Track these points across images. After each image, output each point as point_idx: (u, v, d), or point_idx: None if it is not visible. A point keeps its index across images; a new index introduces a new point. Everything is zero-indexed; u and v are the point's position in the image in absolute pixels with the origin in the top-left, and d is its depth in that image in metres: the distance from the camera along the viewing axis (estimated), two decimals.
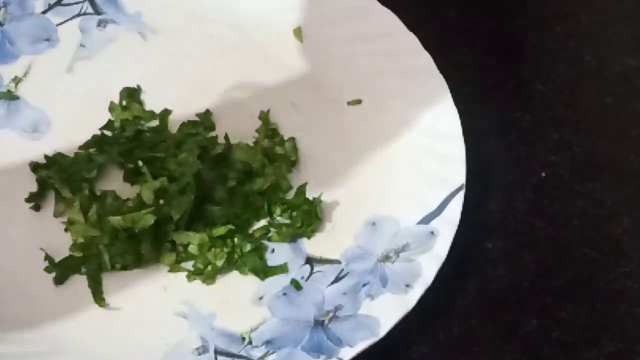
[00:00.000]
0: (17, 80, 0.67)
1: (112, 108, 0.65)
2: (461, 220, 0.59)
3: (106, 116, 0.65)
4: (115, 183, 0.62)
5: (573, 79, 0.71)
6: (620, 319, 0.59)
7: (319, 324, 0.55)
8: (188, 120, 0.64)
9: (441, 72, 0.65)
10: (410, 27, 0.68)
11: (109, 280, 0.58)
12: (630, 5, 0.76)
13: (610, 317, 0.59)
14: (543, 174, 0.66)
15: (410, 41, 0.67)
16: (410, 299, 0.55)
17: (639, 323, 0.59)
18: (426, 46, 0.67)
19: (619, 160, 0.67)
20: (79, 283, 0.58)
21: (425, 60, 0.66)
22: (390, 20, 0.68)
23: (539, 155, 0.67)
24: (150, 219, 0.58)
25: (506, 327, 0.59)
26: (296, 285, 0.58)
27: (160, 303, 0.57)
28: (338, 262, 0.59)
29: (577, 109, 0.70)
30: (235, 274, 0.59)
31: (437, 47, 0.69)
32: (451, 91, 0.65)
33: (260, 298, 0.57)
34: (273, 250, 0.59)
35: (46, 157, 0.62)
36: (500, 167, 0.66)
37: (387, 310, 0.55)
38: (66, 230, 0.59)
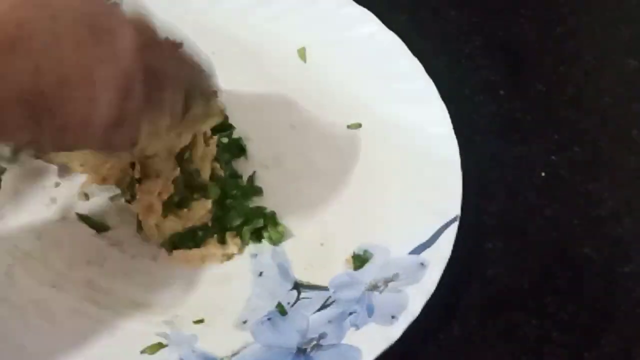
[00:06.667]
0: None
1: None
2: (461, 220, 0.58)
3: None
4: None
5: (573, 79, 0.72)
6: (620, 319, 0.59)
7: (301, 352, 0.54)
8: None
9: (441, 71, 0.65)
10: (410, 27, 0.68)
11: (95, 293, 0.57)
12: (630, 5, 0.76)
13: (610, 317, 0.59)
14: (543, 174, 0.66)
15: (413, 66, 0.66)
16: (395, 331, 0.54)
17: (639, 323, 0.59)
18: (426, 46, 0.67)
19: (619, 160, 0.67)
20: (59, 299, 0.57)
21: (427, 86, 0.65)
22: (395, 44, 0.67)
23: (539, 155, 0.67)
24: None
25: (506, 327, 0.59)
26: (281, 310, 0.56)
27: (143, 321, 0.56)
28: (326, 288, 0.58)
29: (577, 109, 0.70)
30: (222, 295, 0.58)
31: (437, 47, 0.69)
32: (451, 91, 0.65)
33: (244, 322, 0.56)
34: (261, 274, 0.59)
35: None
36: (500, 167, 0.66)
37: (371, 342, 0.54)
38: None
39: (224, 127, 0.63)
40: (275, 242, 0.60)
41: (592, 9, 0.76)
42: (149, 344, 0.55)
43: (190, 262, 0.59)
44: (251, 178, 0.63)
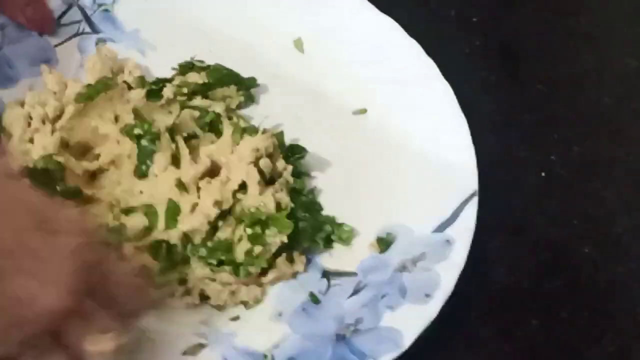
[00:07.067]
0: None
1: None
2: None
3: None
4: None
5: (573, 79, 0.72)
6: (620, 319, 0.59)
7: (341, 338, 0.54)
8: None
9: (441, 71, 0.65)
10: (410, 27, 0.68)
11: None
12: (630, 5, 0.76)
13: (610, 317, 0.59)
14: (543, 174, 0.66)
15: (412, 47, 0.66)
16: (432, 309, 0.54)
17: (639, 323, 0.59)
18: (426, 46, 0.67)
19: (619, 160, 0.67)
20: None
21: (428, 66, 0.65)
22: (391, 26, 0.67)
23: (539, 155, 0.67)
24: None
25: (506, 327, 0.59)
26: (314, 299, 0.56)
27: (179, 323, 0.56)
28: (354, 274, 0.58)
29: (577, 109, 0.70)
30: None
31: (437, 47, 0.69)
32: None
33: (280, 315, 0.56)
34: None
35: None
36: (500, 167, 0.66)
37: (409, 322, 0.54)
38: None
39: (297, 151, 0.62)
40: (346, 242, 0.59)
41: (592, 9, 0.76)
42: (189, 344, 0.54)
43: (264, 284, 0.58)
44: (312, 192, 0.61)
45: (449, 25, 0.74)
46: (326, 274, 0.58)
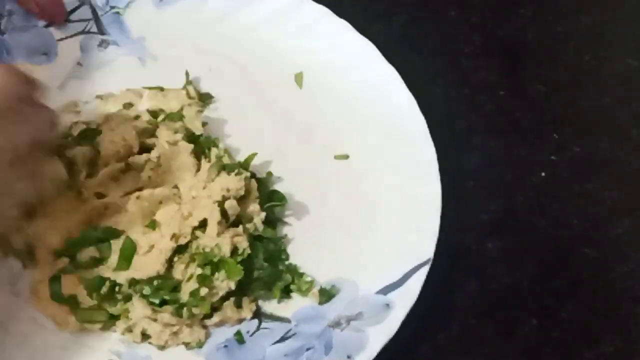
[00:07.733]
0: None
1: None
2: (461, 219, 0.58)
3: None
4: None
5: (573, 79, 0.72)
6: (620, 319, 0.59)
7: None
8: None
9: (441, 71, 0.65)
10: (411, 27, 0.68)
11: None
12: (630, 5, 0.76)
13: (610, 317, 0.59)
14: (543, 174, 0.66)
15: (409, 104, 0.64)
16: None
17: (639, 323, 0.59)
18: (426, 46, 0.67)
19: (619, 160, 0.67)
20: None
21: (419, 124, 0.63)
22: (391, 77, 0.66)
23: (539, 155, 0.67)
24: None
25: (506, 327, 0.59)
26: (240, 339, 0.55)
27: (100, 337, 0.55)
28: (288, 320, 0.57)
29: (577, 109, 0.70)
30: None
31: (437, 47, 0.69)
32: (451, 91, 0.65)
33: (201, 347, 0.55)
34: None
35: None
36: (500, 167, 0.66)
37: None
38: None
39: (276, 198, 0.61)
40: (305, 293, 0.58)
41: (592, 9, 0.76)
42: None
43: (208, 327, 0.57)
44: (281, 240, 0.60)
45: (449, 25, 0.74)
46: (259, 315, 0.57)
